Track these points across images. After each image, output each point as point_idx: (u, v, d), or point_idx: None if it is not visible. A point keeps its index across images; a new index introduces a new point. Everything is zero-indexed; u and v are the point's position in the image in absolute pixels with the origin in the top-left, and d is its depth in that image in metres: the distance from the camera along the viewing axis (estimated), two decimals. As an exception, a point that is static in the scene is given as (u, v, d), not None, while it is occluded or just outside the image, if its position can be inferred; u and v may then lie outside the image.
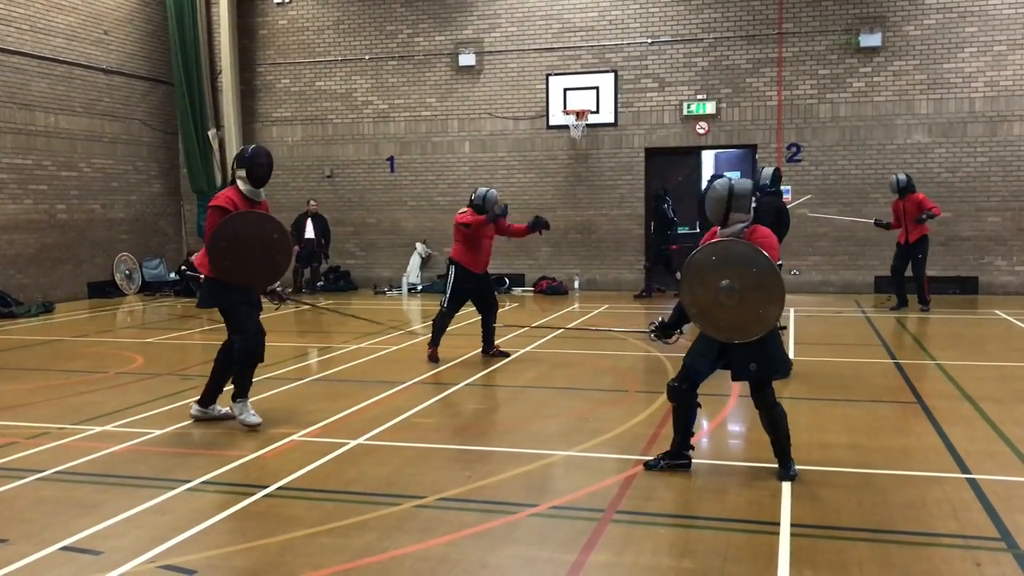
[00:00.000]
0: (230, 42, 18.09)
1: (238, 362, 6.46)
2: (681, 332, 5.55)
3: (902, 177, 12.96)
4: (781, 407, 5.16)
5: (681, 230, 15.55)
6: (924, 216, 12.71)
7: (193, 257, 7.01)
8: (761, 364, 5.07)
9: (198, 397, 6.75)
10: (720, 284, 4.96)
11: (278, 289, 6.77)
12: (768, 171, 8.66)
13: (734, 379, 5.26)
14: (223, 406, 6.68)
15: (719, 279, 4.97)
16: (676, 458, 5.35)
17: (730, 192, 5.08)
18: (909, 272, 13.03)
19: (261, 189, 6.47)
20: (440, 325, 9.26)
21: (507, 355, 9.46)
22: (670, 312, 5.53)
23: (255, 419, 6.43)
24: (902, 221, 12.98)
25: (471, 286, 9.27)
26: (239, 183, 6.38)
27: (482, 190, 9.26)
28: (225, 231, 6.22)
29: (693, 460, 5.41)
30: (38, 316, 14.04)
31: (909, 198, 12.83)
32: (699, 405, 5.36)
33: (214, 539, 4.35)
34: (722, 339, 5.09)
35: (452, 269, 9.23)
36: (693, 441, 5.44)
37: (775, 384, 5.29)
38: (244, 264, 6.28)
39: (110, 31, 17.10)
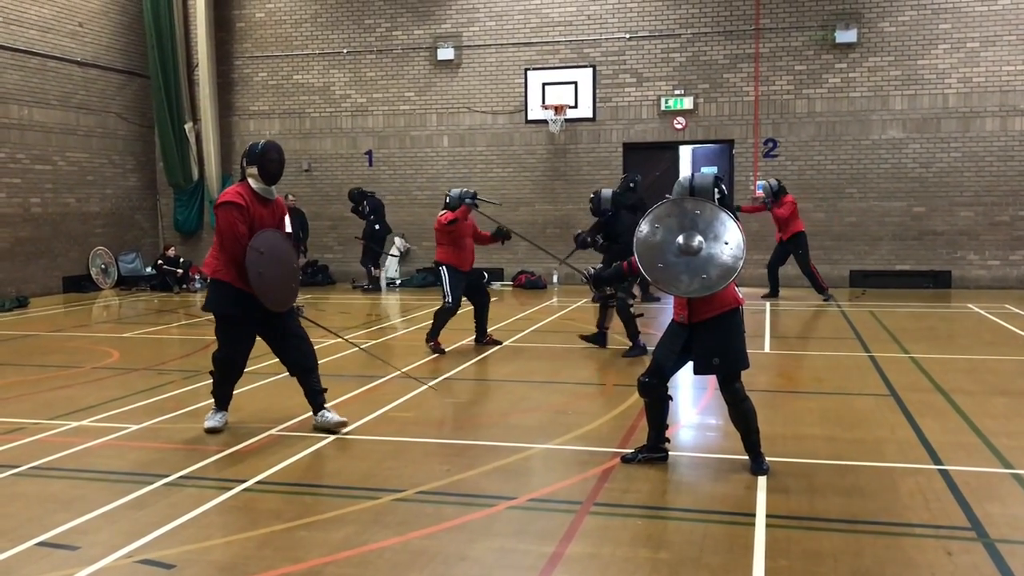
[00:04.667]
0: (207, 35, 17.96)
1: (215, 373, 6.21)
2: (611, 291, 5.62)
3: (773, 182, 13.86)
4: (750, 402, 5.18)
5: None
6: (764, 200, 13.93)
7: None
8: (724, 358, 5.09)
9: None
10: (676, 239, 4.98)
11: (295, 305, 6.34)
12: (607, 192, 9.37)
13: (696, 373, 5.29)
14: (332, 412, 6.28)
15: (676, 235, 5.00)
16: (653, 452, 5.39)
17: (691, 188, 5.16)
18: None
19: (273, 187, 6.11)
20: (442, 319, 9.57)
21: (500, 343, 9.87)
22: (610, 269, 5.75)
23: (210, 423, 6.20)
24: (778, 223, 13.94)
25: (462, 282, 9.61)
26: (250, 180, 6.02)
27: (455, 191, 9.66)
28: (262, 241, 5.90)
29: (670, 453, 5.45)
30: (12, 311, 13.90)
31: (782, 201, 13.70)
32: (671, 398, 5.39)
33: (192, 533, 4.34)
34: (690, 295, 5.03)
35: (443, 270, 9.56)
36: (669, 434, 5.48)
37: (748, 376, 5.34)
38: (272, 278, 5.94)
39: (85, 23, 16.93)
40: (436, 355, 9.34)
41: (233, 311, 6.05)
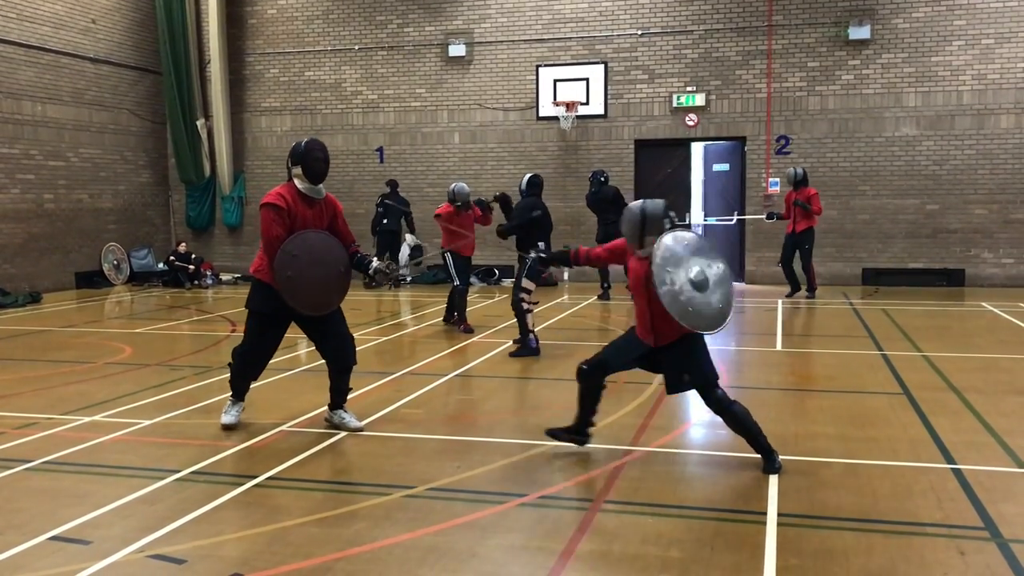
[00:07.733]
0: (219, 31, 18.00)
1: (234, 364, 6.24)
2: (549, 272, 5.80)
3: (798, 170, 13.81)
4: (739, 404, 5.20)
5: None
6: (774, 214, 14.38)
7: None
8: (693, 374, 5.14)
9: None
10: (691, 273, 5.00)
11: (384, 268, 6.31)
12: (527, 176, 9.87)
13: (669, 392, 5.32)
14: (351, 415, 6.26)
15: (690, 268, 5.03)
16: (577, 434, 5.52)
17: (642, 216, 5.12)
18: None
19: (321, 186, 5.96)
20: (461, 301, 10.48)
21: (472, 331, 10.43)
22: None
23: (227, 419, 6.23)
24: (791, 212, 13.89)
25: (467, 266, 10.58)
26: (296, 181, 5.88)
27: (456, 185, 10.66)
28: (298, 243, 5.82)
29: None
30: (25, 306, 13.98)
31: (802, 191, 13.65)
32: (604, 387, 5.47)
33: (204, 529, 4.36)
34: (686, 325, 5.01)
35: (447, 256, 10.43)
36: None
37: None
38: (306, 282, 5.83)
39: (98, 20, 16.98)
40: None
41: (266, 310, 6.03)
